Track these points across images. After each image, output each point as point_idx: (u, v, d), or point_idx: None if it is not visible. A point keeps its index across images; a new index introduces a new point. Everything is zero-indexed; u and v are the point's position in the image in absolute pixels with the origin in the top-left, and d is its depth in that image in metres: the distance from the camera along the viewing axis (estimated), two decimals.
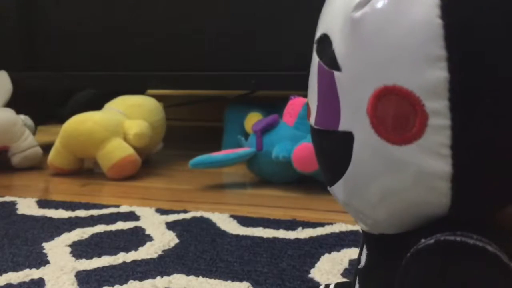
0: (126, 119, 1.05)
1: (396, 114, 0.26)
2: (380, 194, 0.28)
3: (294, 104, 0.94)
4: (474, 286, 0.25)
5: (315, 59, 0.31)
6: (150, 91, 1.55)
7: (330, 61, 0.29)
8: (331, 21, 0.29)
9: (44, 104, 1.50)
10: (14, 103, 1.14)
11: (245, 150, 0.93)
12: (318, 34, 0.31)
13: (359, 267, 0.33)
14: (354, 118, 0.28)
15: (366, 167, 0.28)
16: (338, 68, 0.28)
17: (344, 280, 0.56)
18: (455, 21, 0.24)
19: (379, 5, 0.26)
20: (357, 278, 0.33)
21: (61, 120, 1.08)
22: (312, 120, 0.32)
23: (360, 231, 0.34)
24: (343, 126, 0.28)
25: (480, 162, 0.25)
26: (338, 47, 0.28)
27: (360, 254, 0.33)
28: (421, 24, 0.25)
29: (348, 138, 0.28)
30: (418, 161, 0.26)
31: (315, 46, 0.31)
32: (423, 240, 0.26)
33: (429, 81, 0.25)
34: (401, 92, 0.25)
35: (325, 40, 0.30)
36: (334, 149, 0.30)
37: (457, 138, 0.25)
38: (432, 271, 0.25)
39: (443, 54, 0.24)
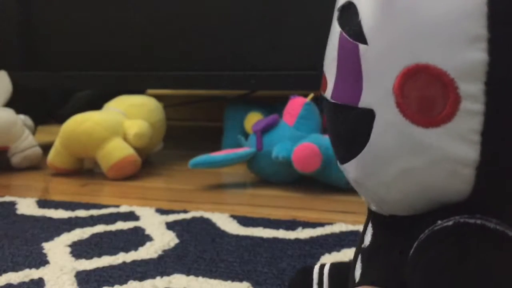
0: (126, 119, 1.05)
1: (426, 95, 0.24)
2: (398, 176, 0.26)
3: (294, 104, 0.94)
4: (493, 270, 0.24)
5: (337, 28, 0.28)
6: (150, 91, 1.55)
7: (355, 33, 0.27)
8: None
9: (44, 104, 1.50)
10: (14, 103, 1.14)
11: (245, 150, 0.93)
12: (341, 1, 0.29)
13: (363, 246, 0.32)
14: (377, 96, 0.26)
15: (386, 148, 0.26)
16: (364, 41, 0.26)
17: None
18: None
19: None
20: (360, 257, 0.32)
21: (61, 120, 1.08)
22: (328, 93, 0.30)
23: (366, 212, 0.33)
24: (364, 103, 0.27)
25: (510, 151, 0.24)
26: (366, 18, 0.26)
27: (364, 233, 0.32)
28: (463, 1, 0.23)
29: (368, 115, 0.26)
30: (444, 145, 0.24)
31: (337, 13, 0.29)
32: (439, 222, 0.25)
33: (466, 62, 0.23)
34: (434, 72, 0.24)
35: (350, 9, 0.27)
36: (352, 126, 0.28)
37: (489, 124, 0.24)
38: (450, 253, 0.24)
39: (484, 34, 0.23)
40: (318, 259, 0.58)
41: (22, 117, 1.13)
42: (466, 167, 0.24)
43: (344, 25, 0.28)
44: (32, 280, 0.54)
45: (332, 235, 0.64)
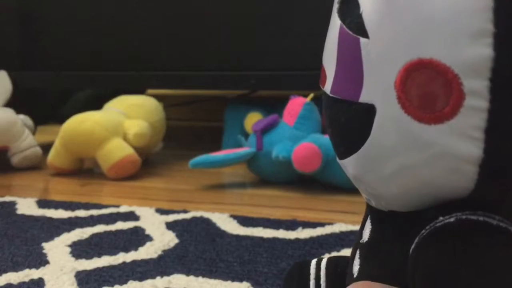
0: (126, 119, 1.05)
1: (429, 91, 0.24)
2: (398, 172, 0.26)
3: (294, 104, 0.94)
4: (496, 268, 0.23)
5: (337, 21, 0.28)
6: (150, 91, 1.55)
7: (357, 26, 0.26)
8: None
9: (44, 104, 1.50)
10: (14, 103, 1.14)
11: (245, 150, 0.93)
12: None
13: (361, 241, 0.31)
14: (378, 91, 0.25)
15: (387, 144, 0.26)
16: (365, 35, 0.26)
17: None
18: None
19: None
20: (358, 253, 0.31)
21: (61, 120, 1.08)
22: (327, 87, 0.29)
23: (365, 205, 0.32)
24: (364, 98, 0.26)
25: None
26: (367, 11, 0.25)
27: (362, 228, 0.32)
28: None
29: (369, 111, 0.26)
30: (446, 142, 0.24)
31: (337, 5, 0.28)
32: (441, 218, 0.25)
33: (471, 57, 0.23)
34: (437, 67, 0.23)
35: (351, 1, 0.27)
36: (352, 121, 0.27)
37: (493, 122, 0.23)
38: (453, 250, 0.24)
39: (490, 29, 0.22)
40: None
41: (22, 117, 1.13)
42: (469, 164, 0.24)
43: (345, 17, 0.27)
44: (32, 280, 0.54)
45: (332, 235, 0.64)
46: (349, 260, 0.33)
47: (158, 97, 1.18)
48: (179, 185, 0.95)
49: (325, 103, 0.30)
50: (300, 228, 0.67)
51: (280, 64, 1.07)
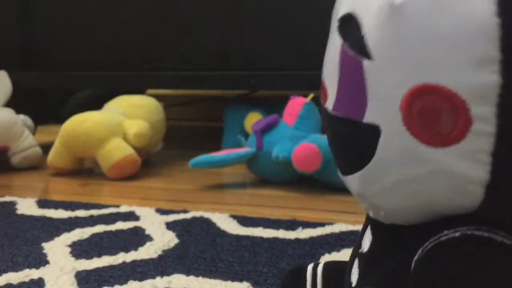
0: (126, 119, 1.05)
1: (436, 115, 0.24)
2: (403, 193, 0.26)
3: (294, 104, 0.94)
4: (501, 285, 0.24)
5: (337, 40, 0.28)
6: (150, 91, 1.56)
7: (359, 47, 0.26)
8: (361, 0, 0.26)
9: (44, 104, 1.50)
10: (14, 103, 1.14)
11: (245, 150, 0.93)
12: (341, 11, 0.28)
13: (361, 251, 0.31)
14: (383, 112, 0.25)
15: (392, 165, 0.25)
16: (368, 56, 0.25)
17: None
18: None
19: None
20: (357, 262, 0.31)
21: (61, 120, 1.08)
22: (329, 105, 0.29)
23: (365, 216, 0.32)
24: (369, 118, 0.26)
25: None
26: (371, 33, 0.25)
27: (362, 238, 0.32)
28: (474, 21, 0.22)
29: (374, 132, 0.26)
30: (453, 164, 0.24)
31: (337, 24, 0.28)
32: (446, 232, 0.25)
33: (478, 84, 0.23)
34: (444, 93, 0.23)
35: (352, 21, 0.26)
36: (356, 141, 0.27)
37: (500, 146, 0.23)
38: (457, 265, 0.24)
39: (497, 56, 0.22)
40: (318, 259, 0.58)
41: (22, 117, 1.13)
42: (475, 185, 0.24)
43: (346, 37, 0.27)
44: (32, 280, 0.54)
45: (332, 235, 0.64)
46: (345, 265, 0.33)
47: (158, 97, 1.18)
48: (179, 185, 0.96)
49: (327, 120, 0.30)
50: (300, 228, 0.67)
51: (280, 64, 1.07)
